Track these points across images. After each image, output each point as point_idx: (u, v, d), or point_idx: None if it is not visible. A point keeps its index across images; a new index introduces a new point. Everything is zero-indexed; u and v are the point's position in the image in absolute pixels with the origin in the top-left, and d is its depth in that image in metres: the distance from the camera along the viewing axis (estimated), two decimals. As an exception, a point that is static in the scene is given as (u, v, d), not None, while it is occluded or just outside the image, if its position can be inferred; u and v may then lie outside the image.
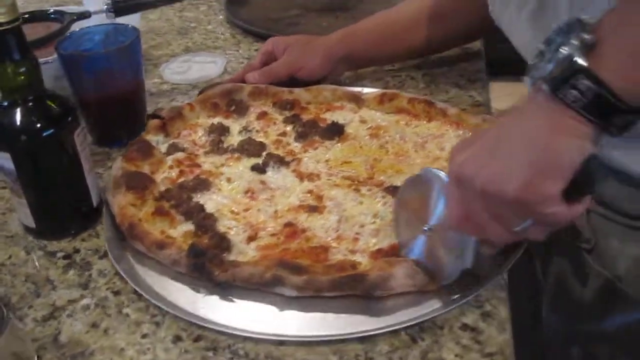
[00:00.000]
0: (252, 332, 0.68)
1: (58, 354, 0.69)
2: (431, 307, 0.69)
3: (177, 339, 0.70)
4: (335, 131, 0.98)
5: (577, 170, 0.55)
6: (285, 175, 0.89)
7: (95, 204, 0.87)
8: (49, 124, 0.79)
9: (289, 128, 1.00)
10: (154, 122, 0.97)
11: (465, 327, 0.69)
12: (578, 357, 0.90)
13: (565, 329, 0.92)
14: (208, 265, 0.73)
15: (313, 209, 0.82)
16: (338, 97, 1.06)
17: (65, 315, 0.74)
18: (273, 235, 0.79)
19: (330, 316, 0.70)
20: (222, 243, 0.76)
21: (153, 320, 0.72)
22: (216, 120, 1.02)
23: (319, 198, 0.85)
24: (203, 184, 0.86)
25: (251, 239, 0.78)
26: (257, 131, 0.99)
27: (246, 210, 0.83)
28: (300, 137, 0.98)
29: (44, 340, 0.71)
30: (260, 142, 0.96)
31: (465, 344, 0.67)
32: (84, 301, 0.76)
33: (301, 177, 0.89)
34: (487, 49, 1.26)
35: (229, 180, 0.88)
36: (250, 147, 0.94)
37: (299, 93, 1.06)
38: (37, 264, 0.82)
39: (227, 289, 0.73)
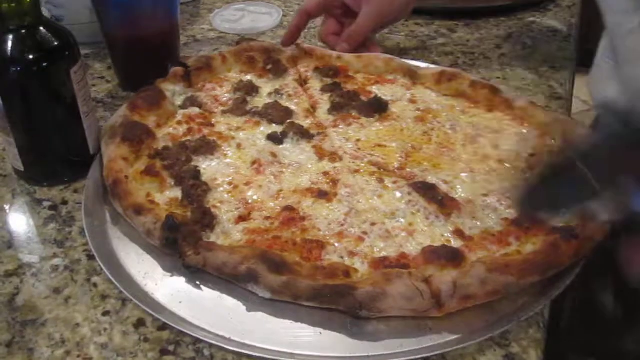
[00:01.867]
0: (210, 333, 0.57)
1: (8, 318, 0.61)
2: (439, 339, 0.56)
3: (141, 323, 0.60)
4: (377, 107, 0.84)
5: None
6: (304, 150, 0.77)
7: (92, 151, 0.78)
8: (42, 56, 0.70)
9: (325, 97, 0.87)
10: (176, 70, 0.87)
11: (480, 369, 0.56)
12: None
13: None
14: (181, 243, 0.62)
15: (322, 195, 0.69)
16: (392, 69, 0.92)
17: (30, 274, 0.66)
18: (267, 218, 0.67)
19: (304, 328, 0.57)
20: (205, 219, 0.64)
21: (121, 297, 0.63)
22: (248, 77, 0.90)
23: (334, 183, 0.72)
24: (207, 147, 0.75)
25: (242, 219, 0.67)
26: (289, 95, 0.87)
27: (246, 184, 0.71)
28: (335, 109, 0.84)
29: (-1, 299, 0.63)
30: (287, 108, 0.83)
31: (476, 392, 0.54)
32: (55, 261, 0.68)
33: (321, 155, 0.76)
34: (589, 36, 1.06)
35: (238, 146, 0.77)
36: (273, 113, 0.82)
37: (350, 60, 0.94)
38: (19, 211, 0.74)
39: (196, 273, 0.62)
